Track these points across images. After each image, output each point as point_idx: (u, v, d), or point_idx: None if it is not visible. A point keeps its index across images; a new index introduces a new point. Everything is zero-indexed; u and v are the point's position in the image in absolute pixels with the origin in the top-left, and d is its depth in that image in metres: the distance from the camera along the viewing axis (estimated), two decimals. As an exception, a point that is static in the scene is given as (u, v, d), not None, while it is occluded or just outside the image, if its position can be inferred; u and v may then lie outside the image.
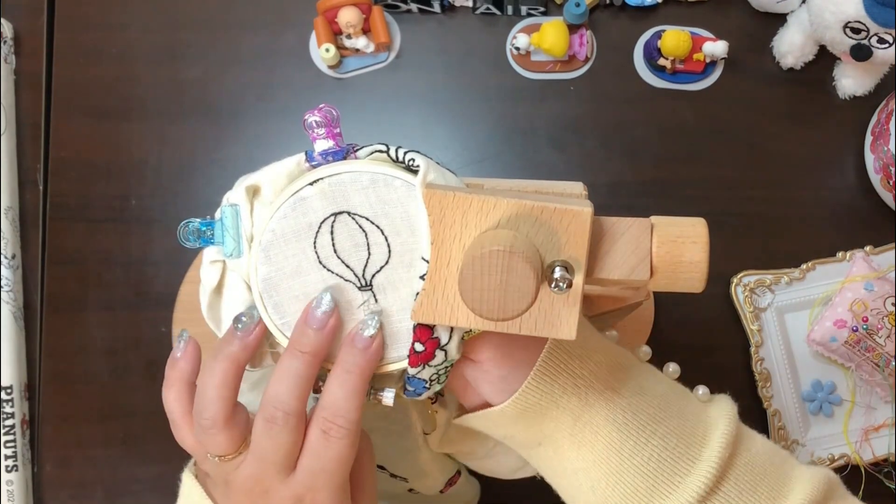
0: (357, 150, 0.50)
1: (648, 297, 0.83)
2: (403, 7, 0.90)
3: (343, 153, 0.49)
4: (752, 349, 0.86)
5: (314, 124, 0.48)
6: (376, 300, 0.50)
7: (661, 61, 0.89)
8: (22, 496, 0.86)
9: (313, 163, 0.49)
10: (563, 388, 0.53)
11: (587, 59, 0.90)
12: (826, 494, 0.52)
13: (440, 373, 0.51)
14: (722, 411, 0.55)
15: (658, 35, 0.88)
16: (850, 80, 0.88)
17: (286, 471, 0.50)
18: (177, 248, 0.86)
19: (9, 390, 0.86)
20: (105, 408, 0.87)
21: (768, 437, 0.84)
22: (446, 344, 0.50)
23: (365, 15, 0.88)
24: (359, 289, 0.50)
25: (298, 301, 0.50)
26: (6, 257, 0.87)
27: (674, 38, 0.87)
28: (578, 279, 0.47)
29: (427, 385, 0.52)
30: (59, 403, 0.87)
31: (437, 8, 0.90)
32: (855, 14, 0.77)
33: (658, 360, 0.85)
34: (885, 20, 0.76)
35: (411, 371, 0.50)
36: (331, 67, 0.90)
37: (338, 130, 0.49)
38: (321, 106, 0.48)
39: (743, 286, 0.87)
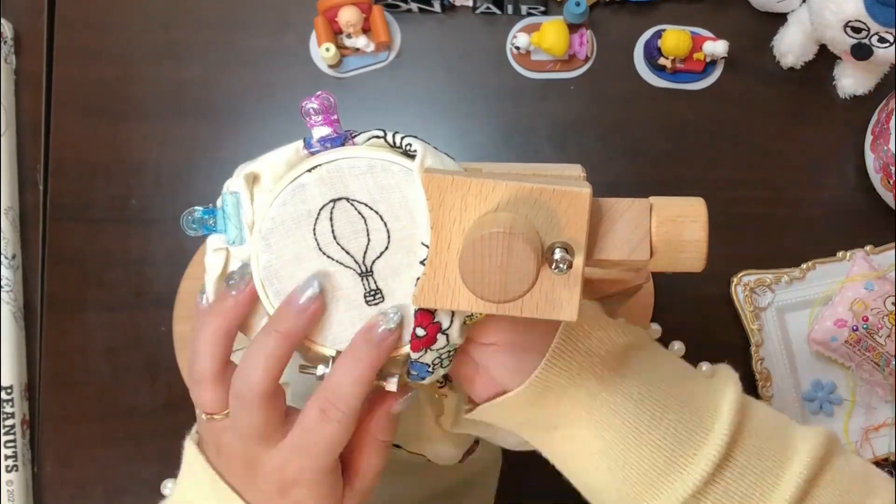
0: (355, 136, 0.50)
1: (648, 279, 0.83)
2: (403, 6, 0.90)
3: (341, 140, 0.49)
4: (753, 349, 0.86)
5: (311, 111, 0.49)
6: (378, 286, 0.50)
7: (662, 61, 0.89)
8: (22, 496, 0.86)
9: (311, 150, 0.49)
10: (580, 366, 0.53)
11: (587, 59, 0.90)
12: (828, 450, 0.53)
13: (443, 357, 0.52)
14: (727, 381, 0.56)
15: (658, 34, 0.88)
16: (851, 80, 0.88)
17: (269, 441, 0.50)
18: (177, 248, 0.87)
19: (9, 390, 0.86)
20: (105, 408, 0.87)
21: None
22: (448, 328, 0.50)
23: (365, 14, 0.88)
24: (359, 275, 0.50)
25: None
26: (6, 257, 0.87)
27: (674, 38, 0.87)
28: (579, 260, 0.47)
29: (430, 369, 0.52)
30: (59, 403, 0.87)
31: (437, 7, 0.91)
32: (855, 13, 0.77)
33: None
34: (885, 19, 0.76)
35: (413, 356, 0.50)
36: (331, 67, 0.90)
37: (335, 117, 0.49)
38: (319, 93, 0.49)
39: (743, 285, 0.87)
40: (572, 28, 0.89)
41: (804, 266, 0.87)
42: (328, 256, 0.50)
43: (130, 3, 0.93)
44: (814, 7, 0.81)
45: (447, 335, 0.50)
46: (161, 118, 0.91)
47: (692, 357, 0.86)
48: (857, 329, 0.83)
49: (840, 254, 0.87)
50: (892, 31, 0.77)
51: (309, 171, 0.49)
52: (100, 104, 0.91)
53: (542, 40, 0.88)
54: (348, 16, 0.87)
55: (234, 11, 0.92)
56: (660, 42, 0.88)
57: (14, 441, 0.86)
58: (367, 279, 0.50)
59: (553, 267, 0.45)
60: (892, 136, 0.82)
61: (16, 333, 0.87)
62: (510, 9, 0.91)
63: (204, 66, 0.92)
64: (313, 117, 0.49)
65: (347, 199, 0.49)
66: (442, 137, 0.89)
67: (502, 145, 0.89)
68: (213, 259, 0.51)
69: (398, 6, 0.90)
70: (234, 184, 0.50)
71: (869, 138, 0.88)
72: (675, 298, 0.88)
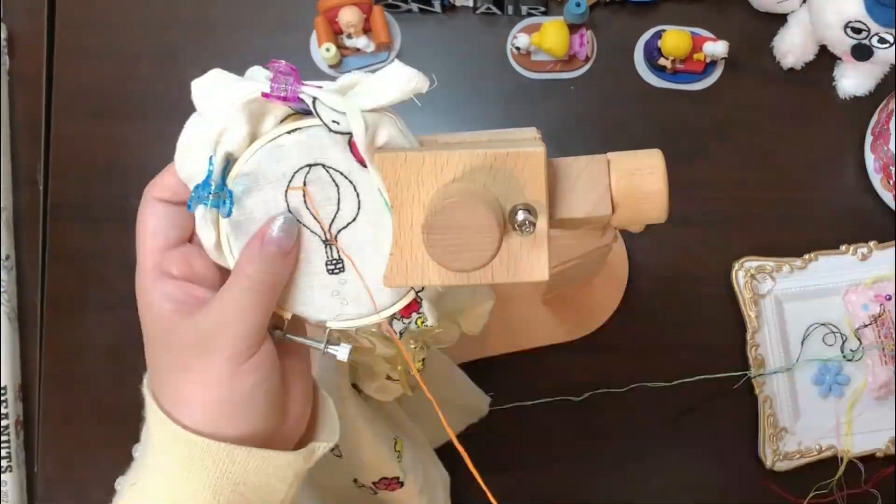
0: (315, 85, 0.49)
1: (617, 239, 0.81)
2: (404, 7, 0.91)
3: (294, 80, 0.48)
4: (748, 335, 0.87)
5: (280, 69, 0.48)
6: (339, 256, 0.50)
7: (662, 61, 0.89)
8: (16, 497, 0.86)
9: (273, 93, 0.48)
10: None
11: (587, 59, 0.91)
12: None
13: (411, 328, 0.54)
14: None
15: (658, 35, 0.89)
16: (851, 81, 0.89)
17: None
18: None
19: (3, 391, 0.86)
20: (105, 408, 0.87)
21: (757, 423, 0.87)
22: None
23: (365, 15, 0.88)
24: (323, 242, 0.50)
25: None
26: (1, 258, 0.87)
27: (674, 39, 0.87)
28: (542, 221, 0.47)
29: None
30: (59, 403, 0.88)
31: (437, 7, 0.91)
32: (856, 14, 0.78)
33: (656, 353, 0.87)
34: (885, 20, 0.77)
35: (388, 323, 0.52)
36: (331, 67, 0.91)
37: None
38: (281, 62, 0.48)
39: (744, 271, 0.87)
40: (573, 28, 0.89)
41: (807, 256, 0.88)
42: (296, 219, 0.50)
43: (130, 3, 0.93)
44: (814, 8, 0.82)
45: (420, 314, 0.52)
46: (161, 118, 0.91)
47: (690, 343, 0.88)
48: (890, 311, 0.85)
49: (843, 247, 0.88)
50: (893, 31, 0.78)
51: (289, 132, 0.48)
52: (100, 104, 0.92)
53: (542, 41, 0.88)
54: (349, 16, 0.87)
55: (234, 12, 0.93)
56: (660, 42, 0.89)
57: (8, 442, 0.87)
58: (330, 248, 0.50)
59: (517, 229, 0.46)
60: (893, 137, 0.82)
61: (10, 334, 0.88)
62: (510, 9, 0.91)
63: (204, 65, 0.91)
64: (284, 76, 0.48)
65: (324, 166, 0.49)
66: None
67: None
68: (206, 231, 0.50)
69: (398, 7, 0.91)
70: (218, 161, 0.49)
71: (869, 139, 0.89)
72: (673, 289, 0.89)
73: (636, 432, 0.88)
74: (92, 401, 0.87)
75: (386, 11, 0.90)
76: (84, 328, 0.88)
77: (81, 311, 0.89)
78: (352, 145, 0.48)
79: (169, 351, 0.49)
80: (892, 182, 0.85)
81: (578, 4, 0.87)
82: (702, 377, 0.85)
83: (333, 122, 0.47)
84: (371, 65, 0.91)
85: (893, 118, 0.83)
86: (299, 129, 0.48)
